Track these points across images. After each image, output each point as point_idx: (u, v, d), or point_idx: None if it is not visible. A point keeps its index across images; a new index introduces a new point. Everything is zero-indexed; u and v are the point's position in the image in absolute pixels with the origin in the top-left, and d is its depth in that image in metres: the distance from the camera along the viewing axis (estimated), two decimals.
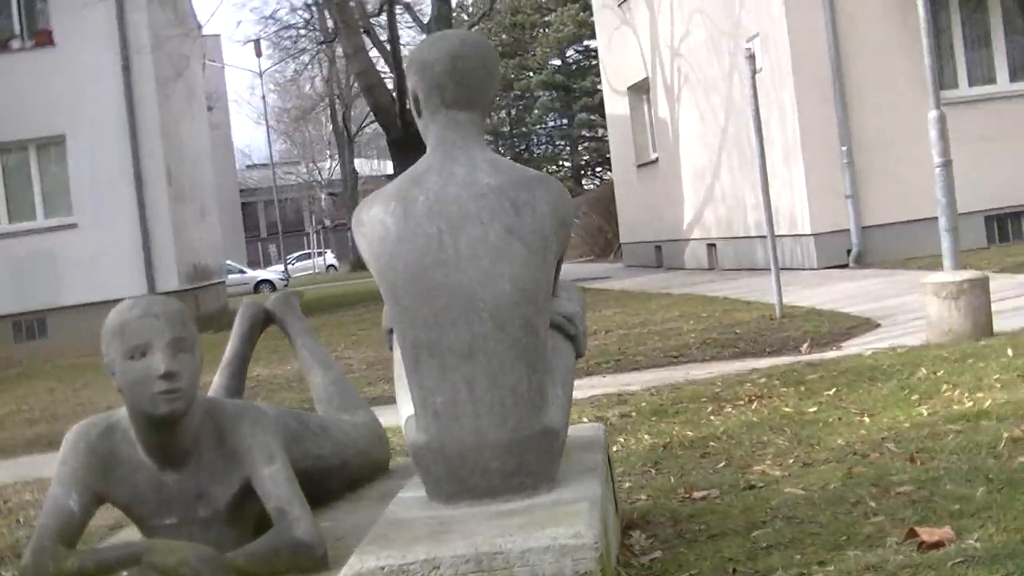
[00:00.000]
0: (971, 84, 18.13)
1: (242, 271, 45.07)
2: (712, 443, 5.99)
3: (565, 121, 64.23)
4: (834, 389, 6.98)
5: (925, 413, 5.94)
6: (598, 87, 62.77)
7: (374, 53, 25.25)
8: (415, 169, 3.82)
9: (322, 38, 30.94)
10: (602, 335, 12.20)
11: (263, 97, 47.49)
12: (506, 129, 64.72)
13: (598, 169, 65.02)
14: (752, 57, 12.10)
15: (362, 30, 23.05)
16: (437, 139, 3.84)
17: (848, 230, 17.49)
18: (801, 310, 12.22)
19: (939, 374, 6.94)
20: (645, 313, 14.41)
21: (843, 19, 17.18)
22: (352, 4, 22.93)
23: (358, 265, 52.65)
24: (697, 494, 4.96)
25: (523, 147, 65.17)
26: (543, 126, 65.79)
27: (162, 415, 3.42)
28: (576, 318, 3.98)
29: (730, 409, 6.87)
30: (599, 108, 62.22)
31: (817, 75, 17.34)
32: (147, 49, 22.12)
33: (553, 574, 3.25)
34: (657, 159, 24.95)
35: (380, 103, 23.24)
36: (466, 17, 47.48)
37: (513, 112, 64.86)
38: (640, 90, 25.93)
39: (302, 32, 36.90)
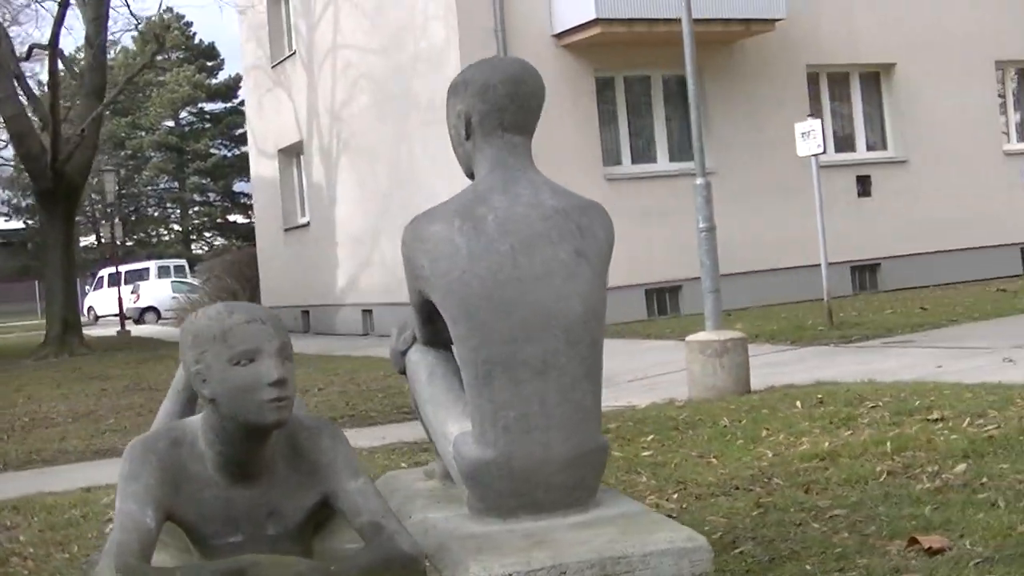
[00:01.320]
0: (634, 162, 19.07)
1: None
2: None
3: (176, 184, 63.19)
4: (651, 436, 7.25)
5: (771, 454, 6.30)
6: (211, 151, 62.46)
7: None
8: (475, 189, 3.85)
9: None
10: (316, 392, 12.07)
11: None
12: (113, 189, 62.84)
13: (207, 234, 64.25)
14: None
15: (14, 76, 22.06)
16: (493, 161, 3.88)
17: None
18: None
19: (743, 423, 7.34)
20: (343, 372, 14.36)
21: None
22: (3, 47, 21.92)
23: None
24: None
25: (132, 208, 63.54)
26: (154, 188, 64.45)
27: (271, 424, 3.27)
28: None
29: None
30: (212, 172, 61.76)
31: None
32: None
33: None
34: (308, 223, 24.90)
35: (31, 152, 22.25)
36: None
37: (123, 172, 63.26)
38: (291, 153, 25.85)
39: None
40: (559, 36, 18.19)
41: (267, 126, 26.90)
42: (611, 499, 3.92)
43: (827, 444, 6.32)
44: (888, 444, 6.04)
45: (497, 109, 3.88)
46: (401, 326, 4.22)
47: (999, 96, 21.60)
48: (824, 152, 13.98)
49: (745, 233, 18.69)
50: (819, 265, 13.98)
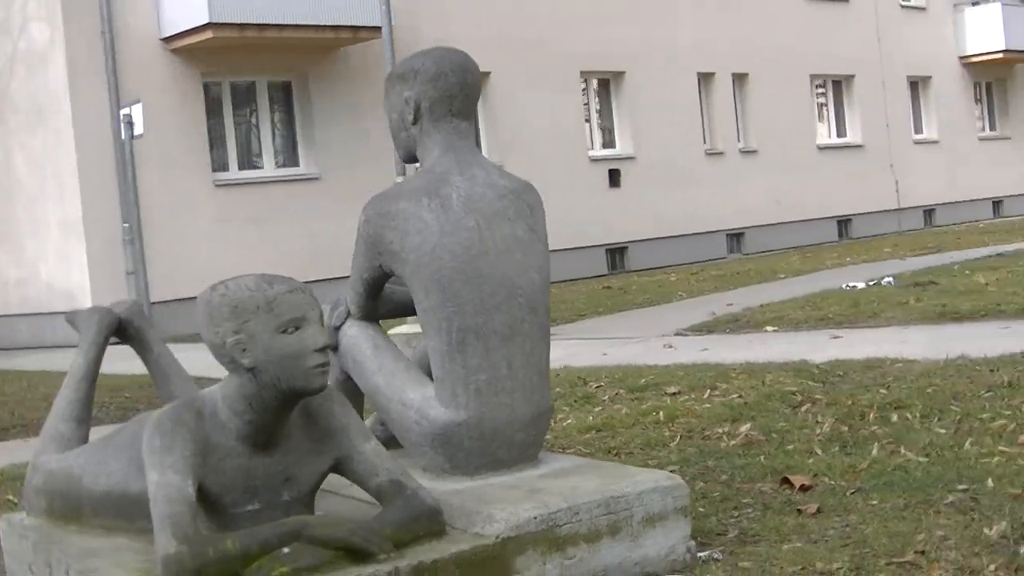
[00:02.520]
0: (241, 168, 19.10)
1: None
2: None
3: None
4: None
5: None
6: None
7: None
8: (432, 170, 4.09)
9: None
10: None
11: None
12: None
13: None
14: (131, 124, 12.28)
15: None
16: (444, 145, 4.14)
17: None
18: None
19: None
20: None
21: (128, 99, 17.36)
22: None
23: None
24: None
25: None
26: None
27: (315, 389, 3.39)
28: None
29: None
30: None
31: (100, 152, 17.36)
32: None
33: (658, 511, 3.83)
34: None
35: None
36: None
37: None
38: None
39: None
40: (168, 40, 17.99)
41: None
42: (545, 456, 4.27)
43: (590, 418, 6.82)
44: (660, 413, 6.61)
45: (448, 96, 4.15)
46: (334, 303, 4.40)
47: (584, 104, 22.99)
48: None
49: (350, 238, 18.83)
50: None
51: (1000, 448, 5.06)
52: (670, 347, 10.20)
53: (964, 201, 29.09)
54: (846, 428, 5.77)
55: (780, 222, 24.97)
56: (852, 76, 26.89)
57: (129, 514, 3.87)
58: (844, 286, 13.66)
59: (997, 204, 30.30)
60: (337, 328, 4.35)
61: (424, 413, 4.00)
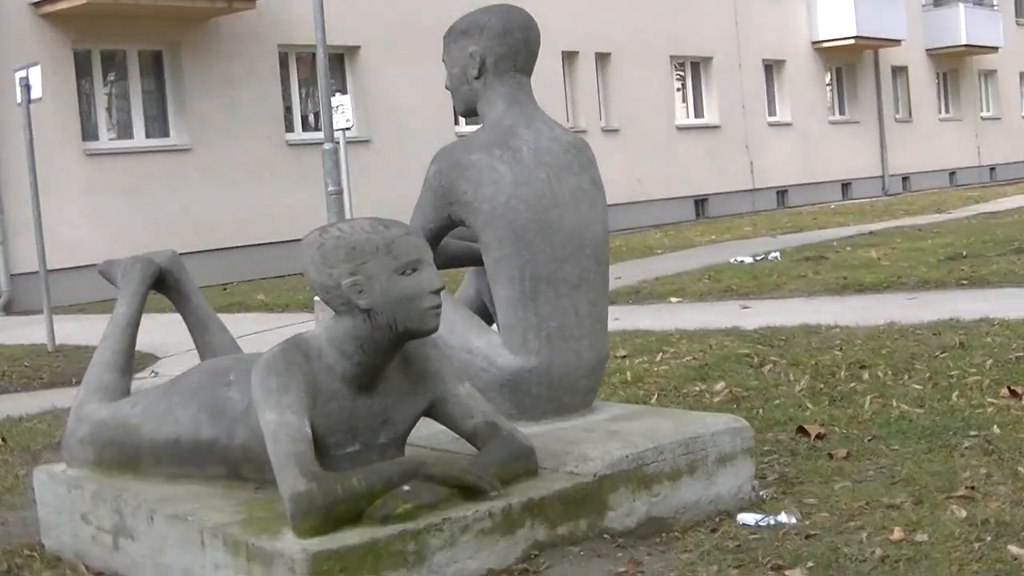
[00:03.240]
0: (112, 137, 18.75)
1: None
2: None
3: None
4: None
5: None
6: None
7: None
8: (500, 124, 4.20)
9: None
10: None
11: None
12: None
13: None
14: (28, 87, 11.98)
15: None
16: (509, 99, 4.26)
17: None
18: (68, 347, 11.99)
19: None
20: None
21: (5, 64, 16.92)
22: None
23: None
24: None
25: None
26: None
27: (430, 330, 3.47)
28: None
29: None
30: None
31: None
32: None
33: (728, 451, 4.05)
34: None
35: None
36: None
37: None
38: None
39: None
40: (38, 5, 17.58)
41: None
42: (597, 403, 4.43)
43: None
44: (627, 374, 6.79)
45: (513, 52, 4.28)
46: None
47: None
48: (352, 127, 14.54)
49: (222, 209, 18.87)
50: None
51: (988, 400, 5.40)
52: None
53: (815, 183, 29.91)
54: (823, 385, 6.05)
55: (639, 200, 25.34)
56: (710, 58, 27.44)
57: (199, 460, 3.90)
58: (732, 260, 14.02)
59: (846, 186, 31.26)
60: None
61: (491, 360, 4.11)
